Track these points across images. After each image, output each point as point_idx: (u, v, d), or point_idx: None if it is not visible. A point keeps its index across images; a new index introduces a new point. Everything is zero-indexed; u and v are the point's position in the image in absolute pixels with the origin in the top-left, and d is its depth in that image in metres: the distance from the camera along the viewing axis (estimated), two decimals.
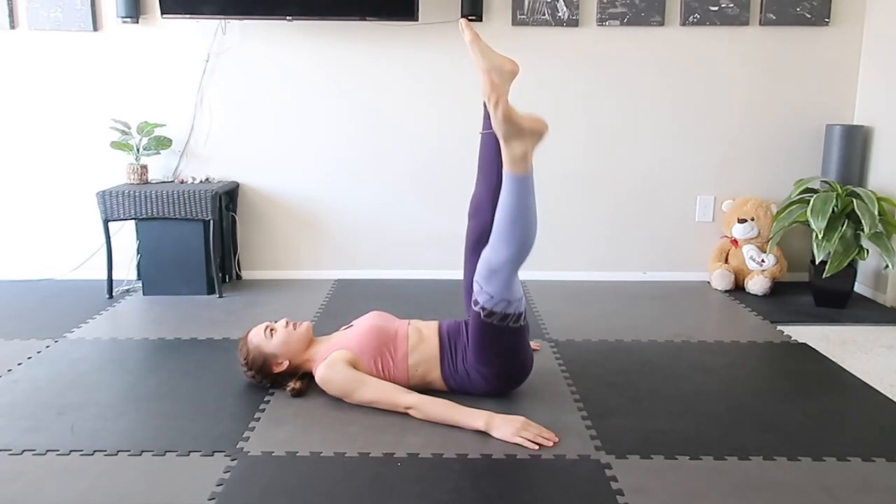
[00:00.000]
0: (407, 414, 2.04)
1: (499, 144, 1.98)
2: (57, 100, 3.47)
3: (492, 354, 2.09)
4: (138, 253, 3.40)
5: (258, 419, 2.06)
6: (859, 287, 3.41)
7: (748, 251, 3.41)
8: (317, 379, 2.15)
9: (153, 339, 2.74)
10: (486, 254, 1.99)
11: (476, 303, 2.04)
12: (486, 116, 2.18)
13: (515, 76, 2.07)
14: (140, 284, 3.42)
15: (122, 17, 3.31)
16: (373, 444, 1.90)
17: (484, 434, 1.95)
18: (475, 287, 2.04)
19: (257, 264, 3.65)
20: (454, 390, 2.19)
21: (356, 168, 3.55)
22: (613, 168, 3.54)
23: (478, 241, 2.16)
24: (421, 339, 2.20)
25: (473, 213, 2.22)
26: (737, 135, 3.52)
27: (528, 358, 2.16)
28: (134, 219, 3.23)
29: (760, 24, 3.40)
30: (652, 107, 3.49)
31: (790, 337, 2.78)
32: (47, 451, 1.88)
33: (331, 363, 2.11)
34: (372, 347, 2.16)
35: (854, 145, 3.31)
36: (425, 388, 2.18)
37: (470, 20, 3.32)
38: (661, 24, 3.39)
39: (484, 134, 2.20)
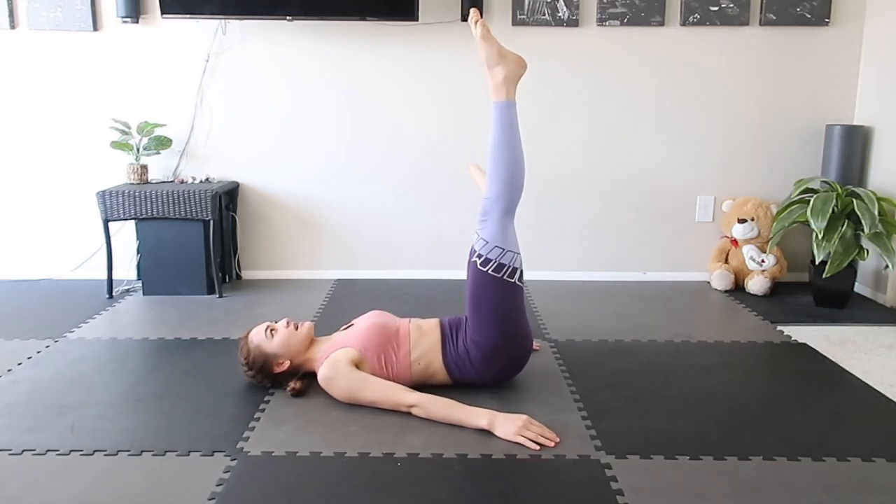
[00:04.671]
0: (409, 413, 2.04)
1: None
2: (57, 100, 3.47)
3: (489, 315, 2.10)
4: (138, 253, 3.40)
5: (258, 419, 2.06)
6: (859, 287, 3.41)
7: (748, 251, 3.41)
8: (319, 379, 2.14)
9: (153, 339, 2.74)
10: (482, 198, 2.12)
11: (473, 252, 2.12)
12: None
13: (523, 74, 2.18)
14: (140, 284, 3.42)
15: (122, 17, 3.31)
16: (373, 444, 1.90)
17: (484, 434, 1.95)
18: (473, 238, 2.13)
19: (257, 264, 3.65)
20: (455, 378, 2.19)
21: (356, 168, 3.55)
22: (613, 168, 3.54)
23: None
24: (422, 334, 2.21)
25: None
26: (737, 135, 3.52)
27: (526, 331, 2.16)
28: (134, 219, 3.23)
29: (760, 24, 3.40)
30: (652, 107, 3.49)
31: (790, 337, 2.78)
32: (47, 451, 1.88)
33: (332, 363, 2.11)
34: (375, 344, 2.16)
35: (854, 145, 3.31)
36: (427, 381, 2.18)
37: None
38: (661, 24, 3.39)
39: None
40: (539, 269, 3.62)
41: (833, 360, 2.54)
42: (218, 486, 1.71)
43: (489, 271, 2.08)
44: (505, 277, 2.09)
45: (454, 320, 2.26)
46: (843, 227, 2.96)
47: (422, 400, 2.03)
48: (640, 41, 3.43)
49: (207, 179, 3.47)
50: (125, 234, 3.51)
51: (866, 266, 3.38)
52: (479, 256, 2.10)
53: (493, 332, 2.11)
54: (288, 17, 3.24)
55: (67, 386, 2.29)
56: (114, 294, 3.31)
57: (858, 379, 2.37)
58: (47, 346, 2.65)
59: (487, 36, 2.13)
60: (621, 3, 3.36)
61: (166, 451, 1.88)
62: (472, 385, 2.21)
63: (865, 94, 3.42)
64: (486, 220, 2.10)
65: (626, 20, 3.38)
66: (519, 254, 2.12)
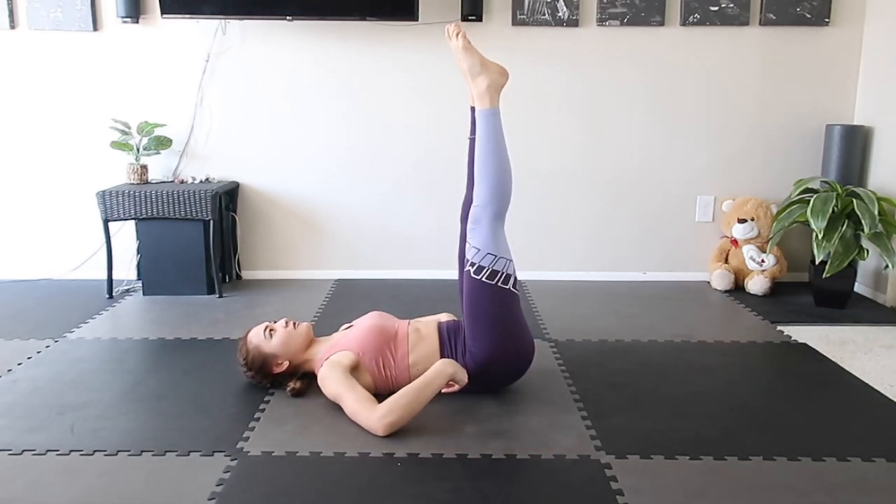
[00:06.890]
0: (391, 430, 1.93)
1: None
2: (57, 100, 3.47)
3: (487, 324, 2.09)
4: (138, 253, 3.40)
5: (258, 419, 2.06)
6: (859, 287, 3.41)
7: (748, 251, 3.41)
8: (318, 378, 2.14)
9: (153, 339, 2.74)
10: (472, 206, 2.13)
11: (466, 261, 2.12)
12: (474, 122, 2.22)
13: (506, 84, 2.21)
14: (140, 284, 3.42)
15: (122, 17, 3.31)
16: (373, 444, 1.90)
17: (484, 434, 1.95)
18: (465, 248, 2.14)
19: (257, 264, 3.65)
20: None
21: (356, 168, 3.55)
22: (613, 167, 3.54)
23: None
24: (420, 338, 2.20)
25: (465, 216, 2.25)
26: (737, 135, 3.52)
27: (524, 336, 2.14)
28: (134, 219, 3.23)
29: (760, 24, 3.40)
30: (652, 107, 3.49)
31: (790, 337, 2.78)
32: (47, 451, 1.88)
33: (333, 364, 2.10)
34: (373, 347, 2.16)
35: (854, 145, 3.31)
36: None
37: (469, 19, 3.32)
38: (661, 24, 3.39)
39: (472, 139, 2.23)
40: (539, 269, 3.62)
41: (833, 360, 2.54)
42: (218, 486, 1.71)
43: (483, 279, 2.08)
44: (499, 284, 2.08)
45: (452, 326, 2.24)
46: (843, 227, 2.96)
47: (386, 405, 1.94)
48: (640, 41, 3.43)
49: (207, 179, 3.47)
50: (125, 234, 3.51)
51: (866, 266, 3.38)
52: (472, 265, 2.09)
53: (491, 340, 2.10)
54: (288, 17, 3.24)
55: (67, 386, 2.29)
56: (114, 294, 3.31)
57: (858, 379, 2.37)
58: (47, 346, 2.65)
59: (469, 47, 2.17)
60: (621, 3, 3.36)
61: (166, 451, 1.88)
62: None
63: (865, 94, 3.42)
64: (476, 228, 2.10)
65: (626, 20, 3.38)
66: (511, 261, 2.12)
